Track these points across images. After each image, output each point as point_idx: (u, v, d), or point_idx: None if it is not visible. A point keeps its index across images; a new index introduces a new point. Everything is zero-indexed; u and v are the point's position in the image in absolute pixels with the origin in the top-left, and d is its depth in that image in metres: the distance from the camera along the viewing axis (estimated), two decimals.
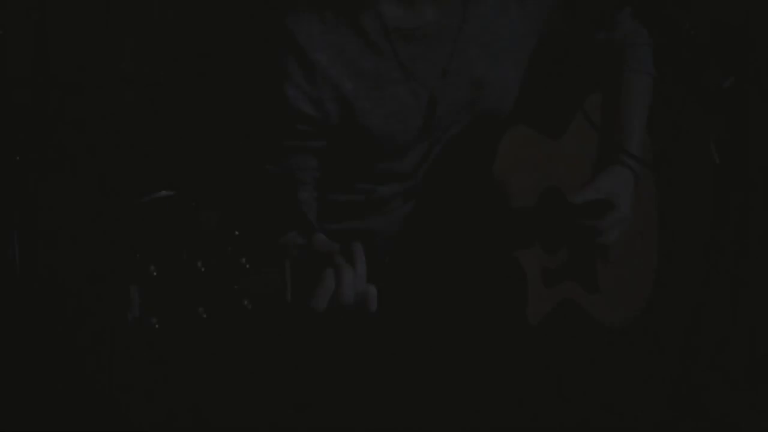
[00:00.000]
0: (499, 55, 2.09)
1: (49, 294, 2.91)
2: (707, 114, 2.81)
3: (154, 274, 1.45)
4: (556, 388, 2.17)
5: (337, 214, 2.10)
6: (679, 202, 3.20)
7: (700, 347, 3.37)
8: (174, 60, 3.77)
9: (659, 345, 3.39)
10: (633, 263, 2.36)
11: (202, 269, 1.48)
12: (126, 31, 3.69)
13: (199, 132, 3.34)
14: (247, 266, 1.51)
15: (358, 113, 1.97)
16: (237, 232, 1.51)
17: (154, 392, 2.84)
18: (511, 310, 2.01)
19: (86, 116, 3.49)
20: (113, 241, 2.89)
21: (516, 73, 2.13)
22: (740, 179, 3.16)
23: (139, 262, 1.45)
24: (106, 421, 2.80)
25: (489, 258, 1.96)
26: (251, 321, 1.54)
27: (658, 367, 3.43)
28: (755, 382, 3.52)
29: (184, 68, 3.78)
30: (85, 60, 3.45)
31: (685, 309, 3.36)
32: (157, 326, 1.45)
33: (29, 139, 2.97)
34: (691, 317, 3.36)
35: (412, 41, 2.00)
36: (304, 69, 1.92)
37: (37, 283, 2.90)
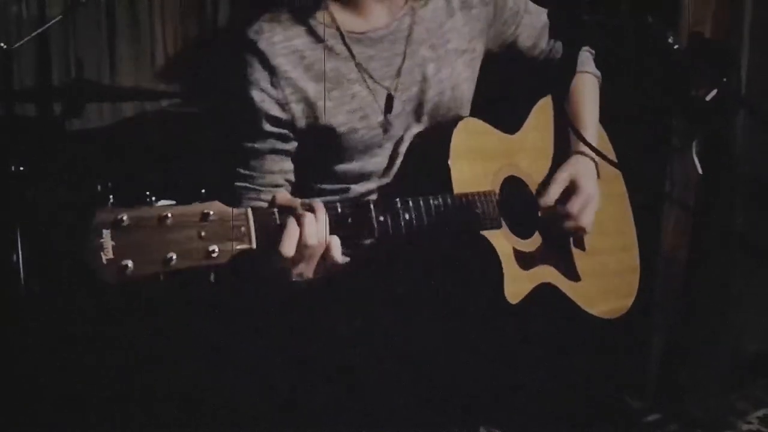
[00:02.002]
0: (448, 56, 2.18)
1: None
2: (691, 126, 2.81)
3: (126, 222, 1.49)
4: (540, 380, 2.18)
5: None
6: (663, 209, 3.21)
7: (684, 350, 3.37)
8: (172, 75, 3.77)
9: (643, 348, 3.39)
10: (614, 258, 2.38)
11: (170, 216, 1.53)
12: (121, 47, 3.70)
13: (197, 142, 3.33)
14: (212, 215, 1.57)
15: (321, 112, 2.04)
16: (203, 191, 1.57)
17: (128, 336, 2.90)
18: (489, 287, 2.04)
19: (86, 128, 3.49)
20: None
21: (468, 73, 2.23)
22: (723, 188, 3.17)
23: (110, 210, 1.50)
24: (84, 363, 2.84)
25: (460, 237, 2.01)
26: (221, 268, 1.58)
27: (642, 368, 3.43)
28: (737, 384, 3.53)
29: (183, 83, 3.79)
30: (86, 74, 3.44)
31: (668, 313, 3.36)
32: (130, 268, 1.49)
33: (33, 150, 2.96)
34: (675, 320, 3.36)
35: (366, 44, 2.08)
36: (267, 74, 2.00)
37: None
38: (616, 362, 3.17)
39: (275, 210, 1.68)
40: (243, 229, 1.61)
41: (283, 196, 1.74)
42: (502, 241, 2.05)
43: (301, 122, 2.04)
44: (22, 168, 2.87)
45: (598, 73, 2.39)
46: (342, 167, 2.12)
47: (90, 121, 3.51)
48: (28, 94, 3.47)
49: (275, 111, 2.01)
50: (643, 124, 2.33)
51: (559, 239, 2.22)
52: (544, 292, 2.12)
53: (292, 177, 2.08)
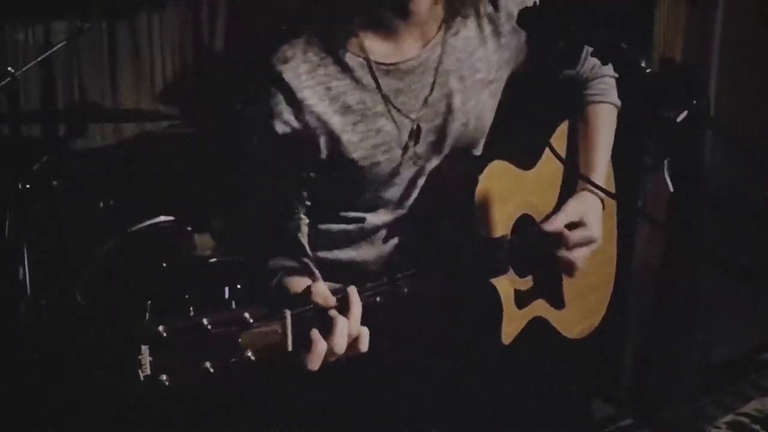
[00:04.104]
0: (475, 87, 2.04)
1: (63, 358, 2.87)
2: (663, 145, 2.84)
3: (164, 335, 1.43)
4: (523, 400, 2.16)
5: (330, 243, 2.06)
6: (637, 224, 3.23)
7: (655, 357, 3.38)
8: (171, 97, 3.78)
9: (616, 357, 3.40)
10: (593, 279, 2.34)
11: (208, 326, 1.46)
12: (125, 70, 3.71)
13: (195, 162, 3.33)
14: (250, 320, 1.50)
15: (345, 146, 1.92)
16: (239, 286, 1.49)
17: None
18: (487, 332, 1.98)
19: (90, 148, 3.50)
20: (124, 295, 2.85)
21: (492, 103, 2.11)
22: (692, 205, 3.19)
23: (148, 323, 1.43)
24: None
25: (468, 284, 1.94)
26: (255, 371, 1.52)
27: (615, 377, 3.44)
28: (705, 391, 3.54)
29: (182, 105, 3.79)
30: (89, 97, 3.45)
31: (641, 323, 3.37)
32: (167, 383, 1.43)
33: (38, 169, 2.97)
34: (647, 330, 3.37)
35: (395, 75, 1.96)
36: (291, 107, 1.88)
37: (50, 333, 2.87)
38: (588, 370, 3.19)
39: (312, 314, 1.61)
40: (279, 331, 1.55)
41: (319, 290, 1.66)
42: (505, 285, 1.99)
43: (323, 154, 1.93)
44: (28, 186, 2.87)
45: (619, 103, 2.25)
46: (359, 197, 2.02)
47: (93, 141, 3.52)
48: (34, 116, 3.48)
49: (298, 144, 1.90)
50: (618, 144, 2.30)
51: (553, 271, 2.14)
52: (533, 324, 2.08)
53: (307, 202, 1.99)
